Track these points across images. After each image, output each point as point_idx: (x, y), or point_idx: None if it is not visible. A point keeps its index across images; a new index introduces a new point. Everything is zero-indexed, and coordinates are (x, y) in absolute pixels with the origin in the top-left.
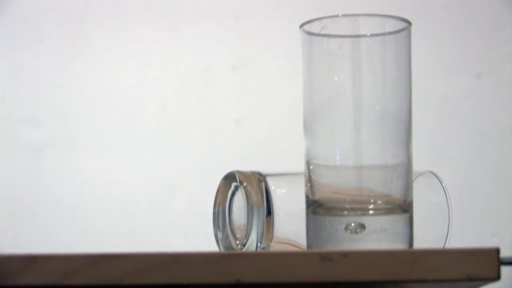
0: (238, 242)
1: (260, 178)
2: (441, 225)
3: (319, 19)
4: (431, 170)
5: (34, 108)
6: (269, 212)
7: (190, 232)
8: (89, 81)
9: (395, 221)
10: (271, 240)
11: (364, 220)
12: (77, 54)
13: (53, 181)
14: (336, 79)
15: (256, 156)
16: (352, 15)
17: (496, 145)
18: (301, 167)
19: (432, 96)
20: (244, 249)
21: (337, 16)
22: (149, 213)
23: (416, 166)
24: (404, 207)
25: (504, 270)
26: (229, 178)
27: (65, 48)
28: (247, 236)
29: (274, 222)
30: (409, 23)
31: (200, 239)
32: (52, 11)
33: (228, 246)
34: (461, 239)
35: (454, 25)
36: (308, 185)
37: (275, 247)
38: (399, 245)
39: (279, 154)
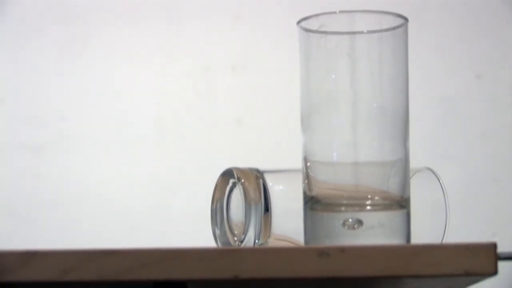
0: (236, 238)
1: (258, 175)
2: (438, 221)
3: (316, 15)
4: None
5: (34, 108)
6: (267, 208)
7: (190, 231)
8: (89, 81)
9: (393, 217)
10: (269, 236)
11: (362, 216)
12: (77, 54)
13: (53, 181)
14: (333, 76)
15: (257, 156)
16: (349, 11)
17: (496, 145)
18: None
19: (432, 96)
20: (242, 245)
21: (334, 12)
22: (149, 213)
23: (416, 166)
24: (402, 203)
25: (504, 268)
26: (227, 174)
27: (65, 48)
28: (245, 232)
29: (272, 219)
30: (406, 19)
31: (200, 238)
32: (52, 11)
33: (226, 243)
34: (462, 239)
35: (454, 25)
36: (306, 181)
37: (273, 243)
38: (396, 240)
39: (280, 153)
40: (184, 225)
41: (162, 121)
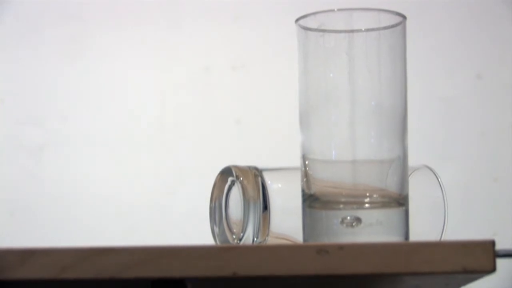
0: (234, 236)
1: (256, 173)
2: (437, 219)
3: (314, 13)
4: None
5: (34, 108)
6: (266, 206)
7: (190, 231)
8: (89, 81)
9: (391, 215)
10: (268, 234)
11: (360, 213)
12: (77, 54)
13: (53, 181)
14: (331, 74)
15: (256, 156)
16: (347, 9)
17: (496, 145)
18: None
19: (432, 96)
20: (241, 243)
21: (332, 10)
22: (149, 213)
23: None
24: (400, 201)
25: (502, 265)
26: (226, 172)
27: (65, 48)
28: (243, 230)
29: (271, 217)
30: (404, 17)
31: (200, 239)
32: (52, 11)
33: (225, 241)
34: (461, 239)
35: (454, 25)
36: (304, 179)
37: (271, 241)
38: (395, 238)
39: (279, 153)
40: (183, 225)
41: (162, 121)
